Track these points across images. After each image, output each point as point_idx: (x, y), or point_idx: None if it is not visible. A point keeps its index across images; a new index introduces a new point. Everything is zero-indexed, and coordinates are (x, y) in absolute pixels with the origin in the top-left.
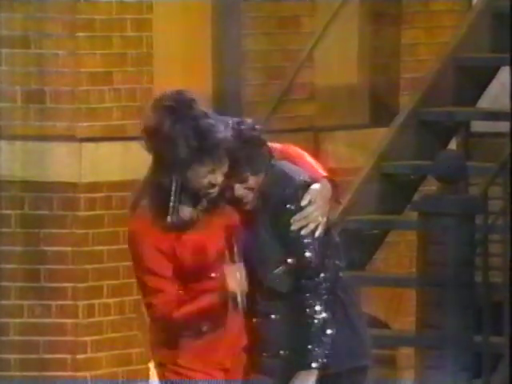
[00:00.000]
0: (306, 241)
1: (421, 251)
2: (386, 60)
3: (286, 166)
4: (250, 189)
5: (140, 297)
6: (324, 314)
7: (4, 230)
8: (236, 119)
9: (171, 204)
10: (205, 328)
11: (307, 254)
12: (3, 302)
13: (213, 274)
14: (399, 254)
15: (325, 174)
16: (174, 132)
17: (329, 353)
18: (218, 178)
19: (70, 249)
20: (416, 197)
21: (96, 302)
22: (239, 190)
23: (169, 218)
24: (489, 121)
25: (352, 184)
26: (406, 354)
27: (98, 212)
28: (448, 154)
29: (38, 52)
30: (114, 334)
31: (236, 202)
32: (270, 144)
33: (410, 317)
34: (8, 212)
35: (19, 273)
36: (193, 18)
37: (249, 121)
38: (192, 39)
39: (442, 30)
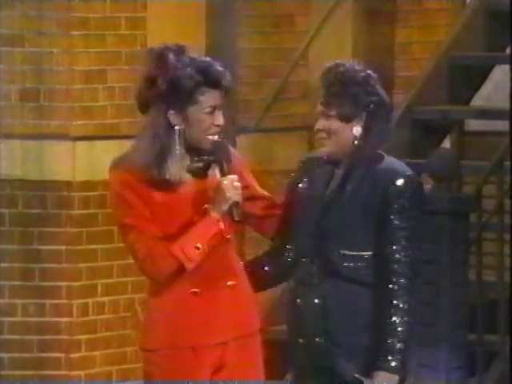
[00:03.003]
0: (404, 235)
1: None
2: (380, 59)
3: (395, 159)
4: (329, 130)
5: (131, 295)
6: (409, 317)
7: None
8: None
9: (177, 152)
10: (200, 248)
11: (402, 248)
12: None
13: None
14: None
15: None
16: (178, 68)
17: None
18: (220, 117)
19: (64, 247)
20: None
21: (90, 300)
22: (320, 124)
23: (170, 168)
24: (483, 119)
25: None
26: None
27: (92, 211)
28: (442, 152)
29: (32, 50)
30: (108, 333)
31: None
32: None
33: None
34: (2, 211)
35: (13, 271)
36: (187, 16)
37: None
38: (186, 38)
39: (435, 28)
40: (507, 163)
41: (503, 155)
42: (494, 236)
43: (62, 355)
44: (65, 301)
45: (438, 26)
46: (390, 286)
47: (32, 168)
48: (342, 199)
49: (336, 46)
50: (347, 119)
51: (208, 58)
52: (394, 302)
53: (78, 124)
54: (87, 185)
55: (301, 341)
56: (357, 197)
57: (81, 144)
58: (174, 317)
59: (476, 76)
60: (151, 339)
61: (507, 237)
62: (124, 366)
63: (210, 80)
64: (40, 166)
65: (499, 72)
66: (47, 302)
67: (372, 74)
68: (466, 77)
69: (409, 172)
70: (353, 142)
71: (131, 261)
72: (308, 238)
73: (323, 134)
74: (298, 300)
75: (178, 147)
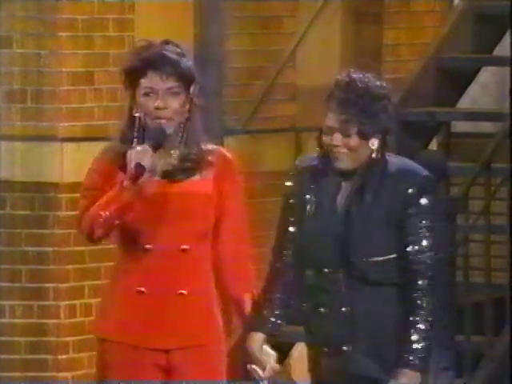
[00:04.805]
0: (426, 235)
1: None
2: (368, 60)
3: (406, 160)
4: (348, 147)
5: None
6: (433, 315)
7: None
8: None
9: (135, 139)
10: (102, 216)
11: (424, 249)
12: None
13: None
14: None
15: None
16: (130, 56)
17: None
18: (160, 100)
19: (51, 249)
20: None
21: (77, 302)
22: (337, 139)
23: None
24: (470, 121)
25: None
26: None
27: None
28: (429, 154)
29: (19, 52)
30: None
31: (325, 152)
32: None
33: None
34: None
35: (1, 273)
36: (175, 17)
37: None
38: (174, 39)
39: (423, 30)
40: (494, 165)
41: (490, 157)
42: (480, 237)
43: (50, 357)
44: (52, 302)
45: (425, 28)
46: (414, 286)
47: (19, 169)
48: (362, 209)
49: (324, 48)
50: (367, 137)
51: (167, 45)
52: (418, 302)
53: (66, 125)
54: (75, 186)
55: (326, 349)
56: (378, 204)
57: (68, 145)
58: (120, 311)
59: (463, 78)
60: (99, 328)
61: (494, 238)
62: None
63: (146, 62)
64: (27, 167)
65: (486, 74)
66: (34, 303)
67: (387, 86)
68: (453, 78)
69: (425, 173)
70: (369, 155)
71: None
72: (329, 249)
73: (342, 149)
74: (322, 309)
75: (135, 134)
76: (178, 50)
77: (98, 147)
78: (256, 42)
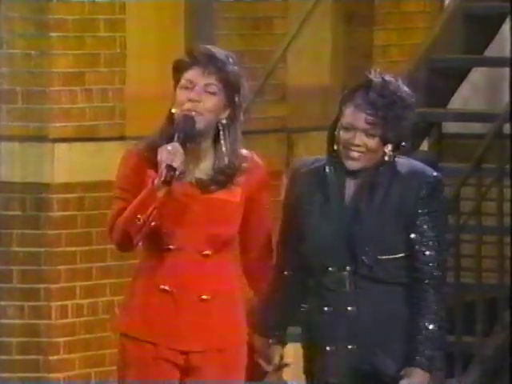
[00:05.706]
0: (434, 235)
1: None
2: (359, 61)
3: (414, 161)
4: (367, 148)
5: (110, 297)
6: (438, 316)
7: None
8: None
9: (173, 131)
10: (141, 219)
11: (432, 249)
12: None
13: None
14: None
15: None
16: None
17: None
18: (193, 92)
19: (42, 249)
20: None
21: (69, 302)
22: (360, 139)
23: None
24: (461, 122)
25: None
26: None
27: (70, 213)
28: (420, 155)
29: (10, 52)
30: (86, 335)
31: (343, 149)
32: None
33: None
34: None
35: None
36: (166, 18)
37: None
38: (165, 40)
39: (414, 31)
40: (485, 165)
41: (481, 157)
42: (471, 238)
43: (41, 357)
44: (44, 303)
45: (416, 29)
46: (421, 286)
47: (11, 170)
48: (371, 207)
49: (314, 49)
50: (387, 141)
51: (219, 50)
52: (425, 302)
53: (57, 126)
54: (66, 187)
55: (328, 348)
56: (388, 202)
57: (59, 146)
58: (142, 308)
59: (454, 78)
60: (121, 324)
61: (485, 239)
62: (103, 369)
63: (193, 57)
64: (19, 167)
65: (476, 74)
66: (26, 304)
67: (410, 93)
68: (444, 79)
69: (436, 173)
70: (383, 156)
71: (110, 263)
72: (335, 247)
73: (361, 149)
74: (326, 308)
75: (173, 131)
76: (229, 56)
77: (89, 147)
78: (247, 43)
